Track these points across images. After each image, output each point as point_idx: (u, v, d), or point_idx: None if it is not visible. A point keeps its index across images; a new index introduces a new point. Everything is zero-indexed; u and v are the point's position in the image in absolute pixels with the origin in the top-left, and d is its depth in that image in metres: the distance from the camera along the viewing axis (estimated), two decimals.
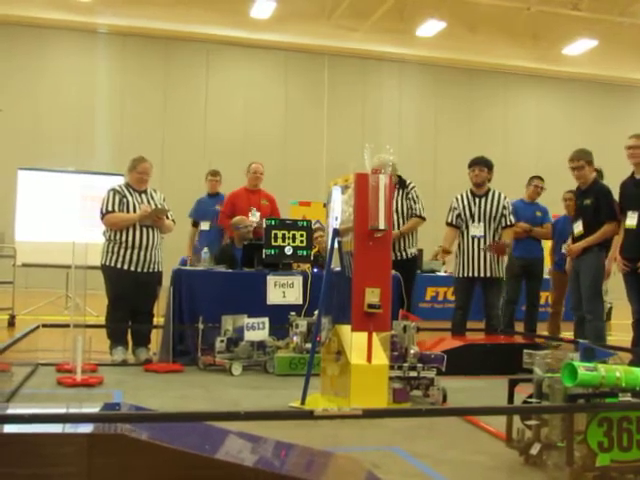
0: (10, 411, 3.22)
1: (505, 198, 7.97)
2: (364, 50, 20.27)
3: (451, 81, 21.45)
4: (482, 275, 7.76)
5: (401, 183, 7.87)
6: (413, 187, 7.91)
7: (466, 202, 7.92)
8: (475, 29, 20.32)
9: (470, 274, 7.79)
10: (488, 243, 7.77)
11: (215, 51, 19.79)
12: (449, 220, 8.03)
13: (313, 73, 20.57)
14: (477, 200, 7.88)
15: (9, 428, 2.72)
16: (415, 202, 7.83)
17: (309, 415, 3.31)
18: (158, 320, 7.24)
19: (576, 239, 7.43)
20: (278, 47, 19.94)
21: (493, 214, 7.82)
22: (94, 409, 3.21)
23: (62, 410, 3.15)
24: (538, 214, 9.12)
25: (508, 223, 7.91)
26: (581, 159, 7.38)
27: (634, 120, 22.26)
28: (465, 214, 7.87)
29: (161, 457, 2.63)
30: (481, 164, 7.97)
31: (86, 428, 2.81)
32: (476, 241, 7.79)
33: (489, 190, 7.96)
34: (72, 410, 3.14)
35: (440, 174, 19.78)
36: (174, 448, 2.66)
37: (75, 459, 2.56)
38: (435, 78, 21.45)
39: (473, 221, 7.82)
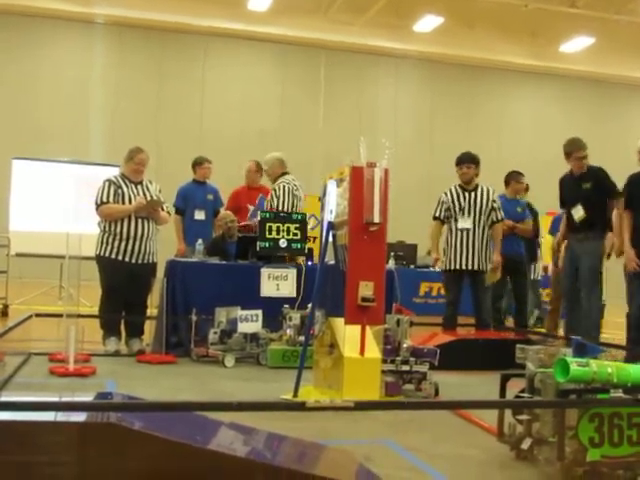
0: (2, 399, 3.21)
1: (494, 193, 8.03)
2: (361, 45, 20.24)
3: (448, 77, 21.44)
4: (470, 268, 7.81)
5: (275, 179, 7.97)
6: (280, 182, 8.00)
7: (455, 196, 7.95)
8: (472, 25, 20.29)
9: (459, 266, 7.83)
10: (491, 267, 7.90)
11: (212, 43, 19.74)
12: (436, 214, 8.07)
13: (310, 67, 20.55)
14: (467, 194, 7.91)
15: (0, 416, 2.71)
16: (276, 196, 7.90)
17: (301, 406, 3.31)
18: (152, 311, 7.24)
19: (578, 224, 7.42)
20: (275, 40, 19.90)
21: (483, 208, 7.86)
22: (87, 398, 3.21)
23: (54, 399, 3.15)
24: (519, 210, 9.15)
25: (499, 218, 7.96)
26: (586, 148, 7.47)
27: (630, 118, 22.33)
28: (454, 207, 7.91)
29: (153, 447, 2.62)
30: (468, 161, 8.01)
31: (78, 417, 2.80)
32: (464, 234, 7.82)
33: (478, 185, 8.00)
34: (64, 399, 3.14)
35: (436, 169, 19.75)
36: (166, 438, 2.66)
37: (67, 447, 2.56)
38: (432, 74, 21.43)
39: (463, 214, 7.86)
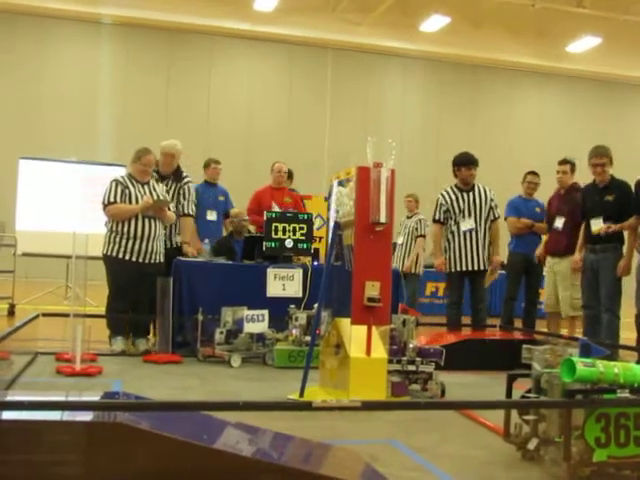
0: (9, 398, 3.22)
1: (491, 191, 8.02)
2: (368, 44, 20.23)
3: (454, 77, 21.40)
4: (474, 268, 7.82)
5: (177, 176, 7.84)
6: (188, 182, 7.88)
7: (453, 197, 7.94)
8: (479, 25, 20.28)
9: (463, 268, 7.84)
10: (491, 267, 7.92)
11: (218, 43, 19.75)
12: (437, 217, 8.04)
13: (317, 67, 20.54)
14: (465, 195, 7.90)
15: (8, 415, 2.72)
16: (184, 198, 7.77)
17: (308, 406, 3.31)
18: None
19: (594, 236, 7.31)
20: (282, 40, 19.90)
21: (483, 207, 7.87)
22: (94, 398, 3.22)
23: (61, 398, 3.16)
24: (537, 210, 9.10)
25: (496, 216, 7.97)
26: (605, 156, 7.25)
27: (638, 118, 22.24)
28: (454, 209, 7.89)
29: (159, 446, 2.63)
30: (470, 164, 7.97)
31: (85, 416, 2.81)
32: (468, 235, 7.83)
33: (474, 185, 7.99)
34: (71, 398, 3.15)
35: (442, 169, 19.67)
36: (172, 437, 2.67)
37: (73, 447, 2.57)
38: (438, 73, 21.40)
39: (463, 216, 7.84)
